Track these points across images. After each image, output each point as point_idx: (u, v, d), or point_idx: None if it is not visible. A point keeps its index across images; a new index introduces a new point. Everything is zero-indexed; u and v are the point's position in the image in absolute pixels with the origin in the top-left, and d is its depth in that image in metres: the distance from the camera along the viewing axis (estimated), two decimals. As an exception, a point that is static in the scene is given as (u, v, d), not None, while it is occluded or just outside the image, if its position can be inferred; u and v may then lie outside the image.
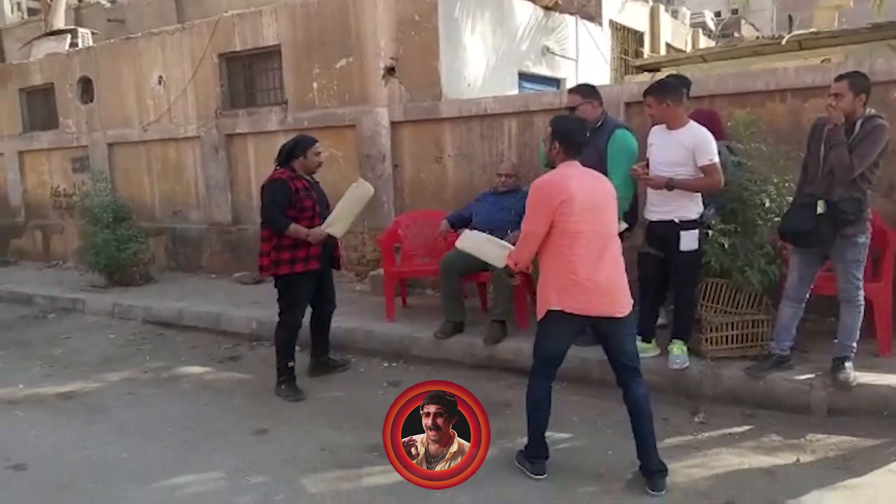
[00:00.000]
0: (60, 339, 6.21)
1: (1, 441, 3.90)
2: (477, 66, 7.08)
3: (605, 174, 4.32)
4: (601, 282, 3.00)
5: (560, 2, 8.93)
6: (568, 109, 4.60)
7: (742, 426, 3.69)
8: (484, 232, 4.07)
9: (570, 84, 7.64)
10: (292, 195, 4.33)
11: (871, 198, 3.82)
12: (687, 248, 4.01)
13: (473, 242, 3.77)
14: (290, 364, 4.48)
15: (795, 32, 9.42)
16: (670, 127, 4.04)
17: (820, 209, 3.60)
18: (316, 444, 3.68)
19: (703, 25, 17.18)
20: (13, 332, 6.57)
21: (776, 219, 4.02)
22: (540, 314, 3.17)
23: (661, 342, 4.31)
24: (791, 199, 4.02)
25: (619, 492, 3.05)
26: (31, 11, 18.79)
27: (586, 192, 3.05)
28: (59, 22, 12.89)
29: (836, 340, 3.85)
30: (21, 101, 10.06)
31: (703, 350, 4.19)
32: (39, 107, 9.98)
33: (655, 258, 4.19)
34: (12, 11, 19.65)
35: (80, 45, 10.50)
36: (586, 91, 4.55)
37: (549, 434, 3.30)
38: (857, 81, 3.59)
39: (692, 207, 4.02)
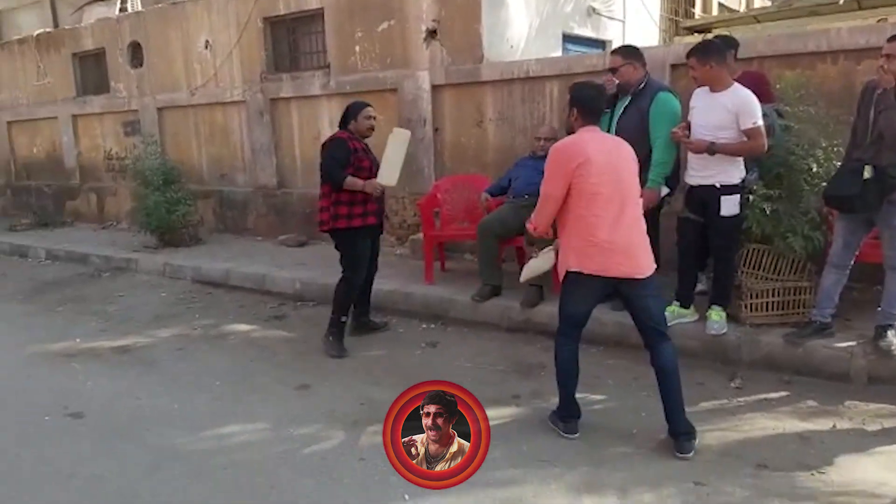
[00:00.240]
0: (115, 297, 6.48)
1: (60, 391, 4.13)
2: (520, 28, 6.99)
3: (647, 137, 4.32)
4: (620, 243, 3.01)
5: (607, -40, 8.71)
6: (609, 71, 4.55)
7: (779, 392, 3.67)
8: (523, 197, 4.06)
9: (615, 46, 7.49)
10: (351, 154, 4.44)
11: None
12: (727, 213, 3.95)
13: None
14: (343, 319, 4.62)
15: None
16: (713, 89, 3.95)
17: (867, 174, 3.50)
18: (355, 399, 3.81)
19: (759, -16, 16.50)
20: (70, 290, 6.87)
21: (823, 184, 3.93)
22: (560, 275, 3.21)
23: (701, 308, 4.28)
24: (839, 164, 3.92)
25: (651, 451, 3.09)
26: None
27: (605, 154, 3.05)
28: (109, -13, 13.11)
29: (879, 308, 3.78)
30: (74, 65, 10.29)
31: (742, 317, 4.16)
32: (91, 71, 10.19)
33: (695, 223, 4.14)
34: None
35: (129, 10, 10.68)
36: (627, 52, 4.48)
37: (584, 395, 3.34)
38: (911, 42, 3.45)
39: (734, 172, 3.95)
